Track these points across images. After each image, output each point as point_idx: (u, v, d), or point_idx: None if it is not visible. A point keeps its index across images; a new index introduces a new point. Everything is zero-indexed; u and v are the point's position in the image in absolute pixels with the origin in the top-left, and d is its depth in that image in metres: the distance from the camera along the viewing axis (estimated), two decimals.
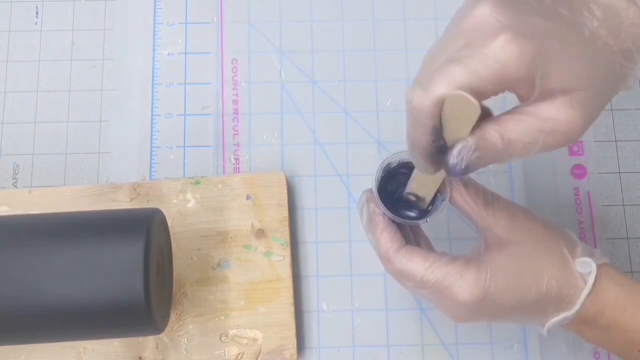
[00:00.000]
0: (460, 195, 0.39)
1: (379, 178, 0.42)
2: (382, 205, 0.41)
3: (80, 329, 0.41)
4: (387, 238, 0.39)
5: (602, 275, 0.38)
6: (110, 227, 0.41)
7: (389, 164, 0.43)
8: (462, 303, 0.36)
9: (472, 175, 0.39)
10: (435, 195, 0.41)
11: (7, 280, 0.39)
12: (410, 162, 0.39)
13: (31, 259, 0.39)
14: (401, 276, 0.39)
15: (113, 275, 0.39)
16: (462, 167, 0.33)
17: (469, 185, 0.40)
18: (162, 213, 0.45)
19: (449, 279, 0.37)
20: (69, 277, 0.39)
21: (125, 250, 0.39)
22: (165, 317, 0.45)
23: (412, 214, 0.42)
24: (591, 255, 0.38)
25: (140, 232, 0.40)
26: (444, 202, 0.40)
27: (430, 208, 0.42)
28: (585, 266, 0.38)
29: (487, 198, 0.39)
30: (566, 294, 0.37)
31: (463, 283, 0.36)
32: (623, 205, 0.54)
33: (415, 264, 0.38)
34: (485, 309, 0.37)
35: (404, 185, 0.42)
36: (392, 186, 0.43)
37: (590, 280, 0.37)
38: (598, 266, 0.38)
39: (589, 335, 0.40)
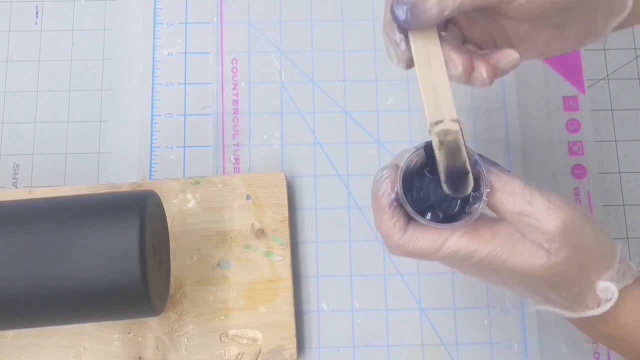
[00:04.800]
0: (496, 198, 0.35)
1: (405, 169, 0.37)
2: (407, 203, 0.36)
3: (78, 310, 0.41)
4: (390, 222, 0.36)
5: (624, 294, 0.35)
6: (107, 208, 0.42)
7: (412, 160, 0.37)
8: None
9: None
10: (469, 197, 0.36)
11: (5, 263, 0.39)
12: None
13: (29, 242, 0.40)
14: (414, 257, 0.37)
15: (110, 255, 0.39)
16: (408, 14, 0.34)
17: (507, 186, 0.35)
18: (157, 195, 0.45)
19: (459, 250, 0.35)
20: (66, 258, 0.39)
21: (122, 229, 0.40)
22: (163, 300, 0.45)
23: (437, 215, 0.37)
24: (623, 274, 0.36)
25: (136, 212, 0.41)
26: (482, 202, 0.35)
27: (460, 214, 0.36)
28: (607, 292, 0.35)
29: (526, 195, 0.34)
30: (576, 304, 0.36)
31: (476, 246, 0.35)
32: (623, 205, 0.55)
33: (424, 244, 0.35)
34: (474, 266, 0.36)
35: (428, 188, 0.37)
36: (416, 184, 0.37)
37: (604, 307, 0.35)
38: (624, 288, 0.35)
39: (587, 333, 0.39)
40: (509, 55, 0.37)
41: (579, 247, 0.34)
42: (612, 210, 0.54)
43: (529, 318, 0.52)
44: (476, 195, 0.36)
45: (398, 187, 0.36)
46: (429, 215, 0.36)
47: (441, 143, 0.35)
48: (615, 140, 0.56)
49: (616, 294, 0.35)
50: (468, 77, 0.36)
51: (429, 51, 0.36)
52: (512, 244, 0.35)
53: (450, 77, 0.36)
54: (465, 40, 0.40)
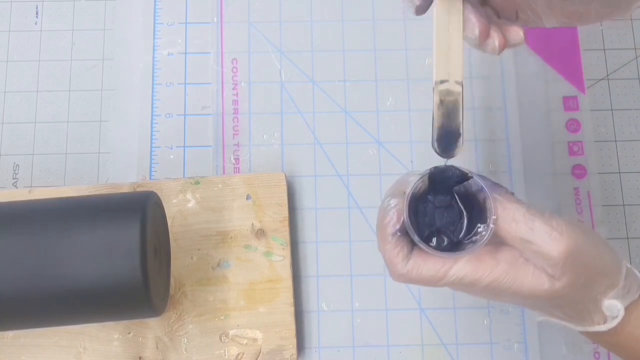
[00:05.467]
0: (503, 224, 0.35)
1: (411, 196, 0.36)
2: (415, 233, 0.35)
3: (79, 311, 0.41)
4: (394, 252, 0.36)
5: (631, 310, 0.35)
6: (108, 209, 0.42)
7: (418, 187, 0.37)
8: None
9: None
10: (473, 222, 0.36)
11: (7, 264, 0.39)
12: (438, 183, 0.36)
13: (30, 243, 0.40)
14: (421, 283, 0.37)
15: (111, 256, 0.39)
16: None
17: (514, 211, 0.35)
18: (158, 196, 0.45)
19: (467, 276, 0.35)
20: (67, 259, 0.39)
21: (123, 230, 0.40)
22: (163, 300, 0.45)
23: (442, 241, 0.37)
24: (629, 289, 0.35)
25: (136, 213, 0.41)
26: (489, 231, 0.35)
27: (465, 239, 0.36)
28: (613, 310, 0.35)
29: (537, 228, 0.34)
30: (582, 320, 0.36)
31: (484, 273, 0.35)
32: (623, 205, 0.54)
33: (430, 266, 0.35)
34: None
35: (433, 214, 0.37)
36: (420, 209, 0.37)
37: (610, 324, 0.35)
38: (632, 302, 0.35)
39: (593, 341, 0.39)
40: (515, 33, 0.38)
41: (583, 270, 0.34)
42: (612, 210, 0.54)
43: (529, 318, 0.52)
44: (481, 223, 0.36)
45: (404, 216, 0.36)
46: (434, 241, 0.36)
47: (441, 102, 0.36)
48: (615, 140, 0.56)
49: (622, 312, 0.35)
50: (482, 42, 0.37)
51: (450, 10, 0.36)
52: (515, 270, 0.35)
53: (465, 38, 0.36)
54: (484, 3, 0.39)
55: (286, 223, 0.52)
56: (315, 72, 0.57)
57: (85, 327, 0.49)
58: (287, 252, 0.51)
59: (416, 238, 0.35)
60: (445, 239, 0.37)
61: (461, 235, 0.37)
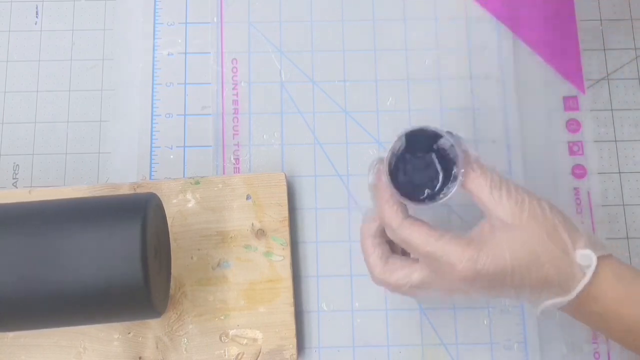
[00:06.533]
0: (468, 178, 0.40)
1: (392, 156, 0.41)
2: (392, 186, 0.40)
3: (79, 312, 0.41)
4: (392, 209, 0.40)
5: (602, 267, 0.38)
6: (108, 211, 0.42)
7: (399, 146, 0.41)
8: (458, 277, 0.38)
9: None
10: (448, 174, 0.41)
11: (8, 265, 0.39)
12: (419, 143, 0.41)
13: (32, 245, 0.40)
14: (405, 244, 0.41)
15: (112, 258, 0.40)
16: None
17: (477, 167, 0.40)
18: (158, 197, 0.45)
19: (450, 254, 0.38)
20: (69, 261, 0.39)
21: (124, 232, 0.40)
22: (164, 301, 0.45)
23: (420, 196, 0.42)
24: (594, 247, 0.38)
25: (137, 216, 0.41)
26: (457, 183, 0.39)
27: (440, 189, 0.41)
28: (586, 259, 0.38)
29: (495, 182, 0.39)
30: (564, 282, 0.38)
31: (463, 259, 0.38)
32: (623, 205, 0.54)
33: (419, 234, 0.39)
34: (479, 285, 0.39)
35: (413, 171, 0.42)
36: (401, 169, 0.42)
37: (589, 274, 0.37)
38: (600, 258, 0.38)
39: (584, 320, 0.41)
40: None
41: (542, 214, 0.38)
42: (612, 210, 0.54)
43: (529, 318, 0.52)
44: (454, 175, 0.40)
45: (384, 177, 0.40)
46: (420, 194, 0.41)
47: None
48: (615, 140, 0.56)
49: (594, 260, 0.37)
50: None
51: None
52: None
53: None
54: None
55: (286, 223, 0.52)
56: (315, 72, 0.57)
57: (86, 327, 0.49)
58: (287, 252, 0.51)
59: (392, 187, 0.40)
60: (426, 192, 0.41)
61: (437, 189, 0.41)
